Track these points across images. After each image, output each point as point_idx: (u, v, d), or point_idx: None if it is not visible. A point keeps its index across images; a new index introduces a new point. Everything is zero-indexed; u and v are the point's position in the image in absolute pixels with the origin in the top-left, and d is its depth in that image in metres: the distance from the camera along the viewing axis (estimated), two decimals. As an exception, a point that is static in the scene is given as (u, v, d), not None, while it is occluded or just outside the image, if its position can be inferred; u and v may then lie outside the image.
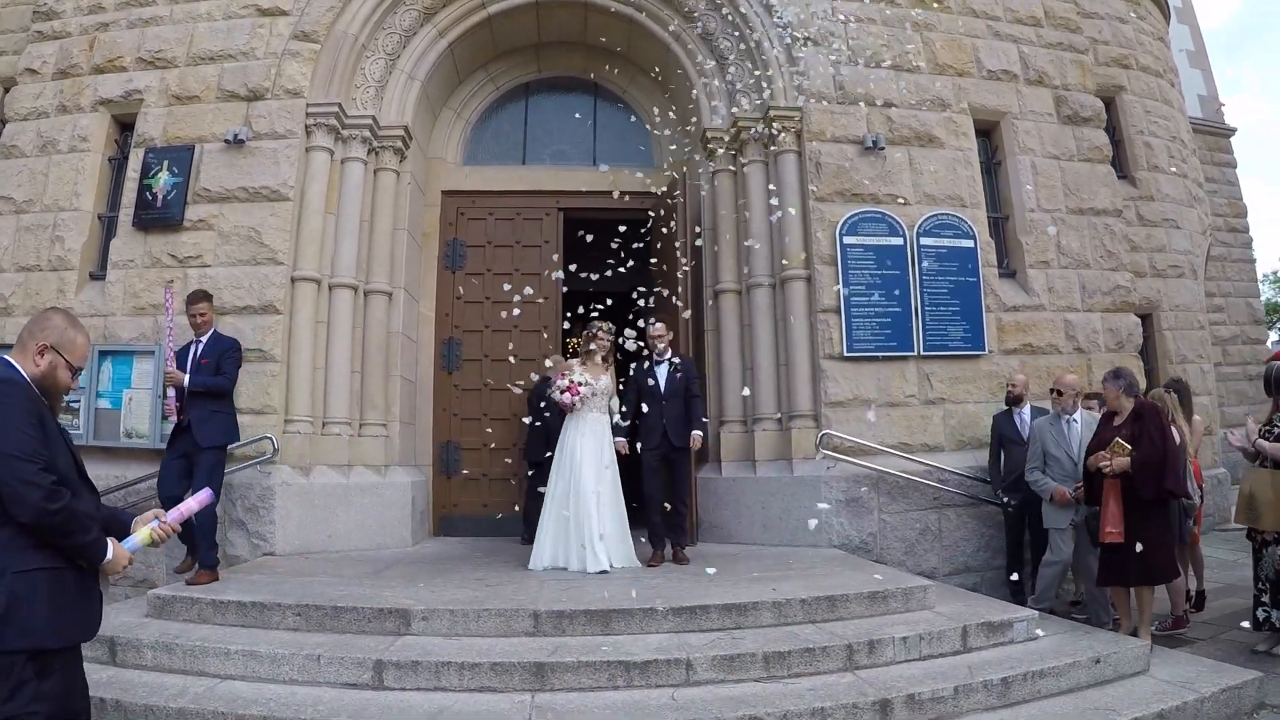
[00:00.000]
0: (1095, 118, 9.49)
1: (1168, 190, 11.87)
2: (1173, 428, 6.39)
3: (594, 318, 7.60)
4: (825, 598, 5.53)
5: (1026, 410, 7.54)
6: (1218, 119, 18.09)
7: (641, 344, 7.39)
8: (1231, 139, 18.16)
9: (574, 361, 7.56)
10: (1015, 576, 7.21)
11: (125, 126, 8.62)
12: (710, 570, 6.42)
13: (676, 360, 7.58)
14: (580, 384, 7.13)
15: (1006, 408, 7.65)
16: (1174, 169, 12.10)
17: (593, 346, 7.40)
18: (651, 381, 7.47)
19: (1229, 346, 16.31)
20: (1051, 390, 6.96)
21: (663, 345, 7.55)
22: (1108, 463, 5.76)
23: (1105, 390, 6.16)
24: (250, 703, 4.38)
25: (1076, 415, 6.79)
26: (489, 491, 9.32)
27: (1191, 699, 4.89)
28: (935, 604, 5.86)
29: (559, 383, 7.19)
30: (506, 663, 4.61)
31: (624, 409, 7.51)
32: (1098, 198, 9.17)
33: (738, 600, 5.41)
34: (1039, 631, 5.60)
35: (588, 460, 7.01)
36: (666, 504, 7.32)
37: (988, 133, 9.25)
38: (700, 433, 7.50)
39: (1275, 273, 33.19)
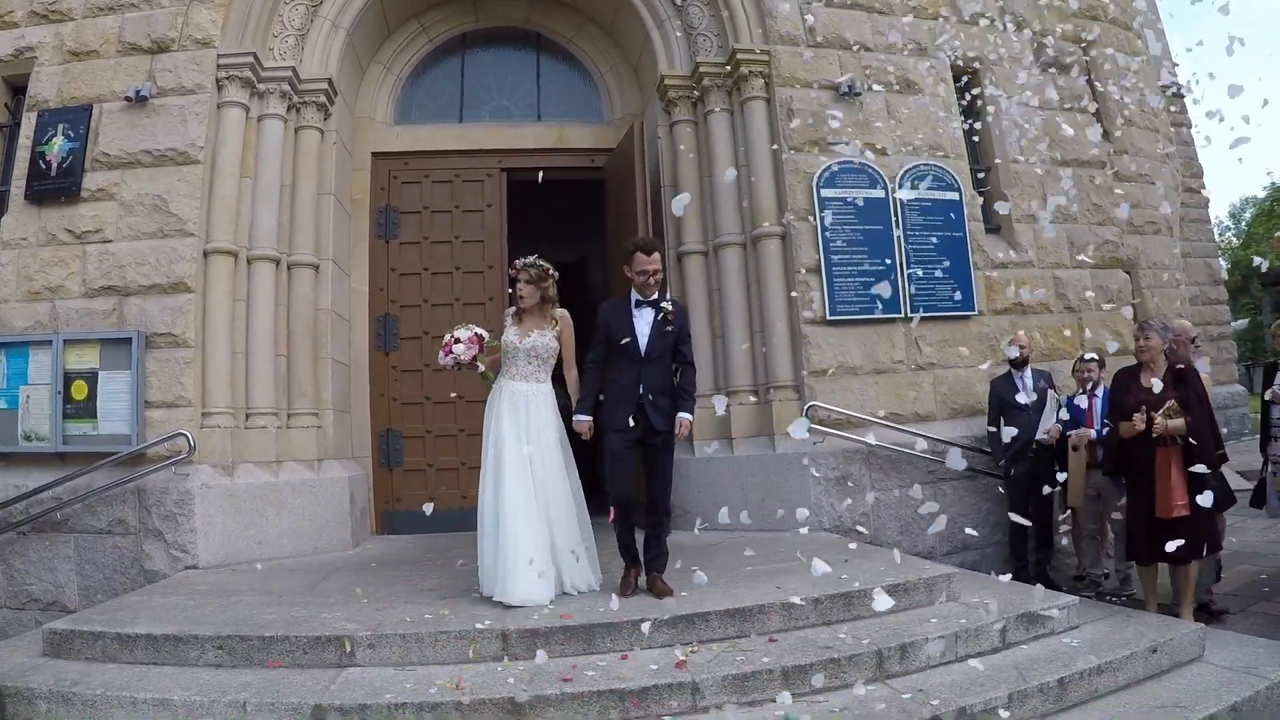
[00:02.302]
0: (1076, 64, 8.92)
1: (1142, 145, 11.43)
2: None
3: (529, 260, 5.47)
4: (841, 595, 4.82)
5: (1028, 373, 6.96)
6: (1172, 79, 17.85)
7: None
8: (1185, 100, 17.97)
9: (508, 314, 5.59)
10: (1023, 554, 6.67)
11: (18, 90, 7.63)
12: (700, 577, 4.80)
13: (668, 305, 5.25)
14: (456, 340, 5.33)
15: (1007, 370, 7.02)
16: (1145, 124, 11.68)
17: (517, 288, 5.44)
18: (627, 336, 5.19)
19: (1191, 308, 16.15)
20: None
21: (655, 285, 5.25)
22: (1162, 423, 5.15)
23: (1148, 340, 5.53)
24: (160, 767, 3.52)
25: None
26: (436, 482, 8.44)
27: (1262, 687, 4.38)
28: (961, 594, 5.19)
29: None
30: (476, 700, 3.79)
31: (582, 372, 5.47)
32: (1081, 148, 8.58)
33: (740, 604, 4.67)
34: (1079, 619, 4.98)
35: (509, 447, 5.19)
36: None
37: (967, 79, 8.60)
38: (689, 416, 5.28)
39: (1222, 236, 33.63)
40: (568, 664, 4.20)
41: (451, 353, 5.30)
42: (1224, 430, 6.27)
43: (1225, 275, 17.32)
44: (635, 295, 5.26)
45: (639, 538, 5.31)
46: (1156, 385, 5.04)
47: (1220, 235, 35.59)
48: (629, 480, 5.29)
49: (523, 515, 5.04)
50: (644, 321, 5.20)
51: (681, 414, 5.24)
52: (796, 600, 4.67)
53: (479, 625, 4.47)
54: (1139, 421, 5.29)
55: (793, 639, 4.49)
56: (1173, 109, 17.22)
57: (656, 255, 5.21)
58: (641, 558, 5.29)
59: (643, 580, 5.25)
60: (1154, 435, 5.25)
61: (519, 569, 4.93)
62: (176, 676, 4.26)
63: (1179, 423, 5.18)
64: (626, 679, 3.99)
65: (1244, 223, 44.57)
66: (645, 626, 4.28)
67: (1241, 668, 4.60)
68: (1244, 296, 31.00)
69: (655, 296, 5.23)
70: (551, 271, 5.42)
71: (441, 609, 4.83)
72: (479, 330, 5.39)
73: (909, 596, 4.97)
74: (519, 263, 5.42)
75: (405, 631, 4.39)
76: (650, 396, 5.17)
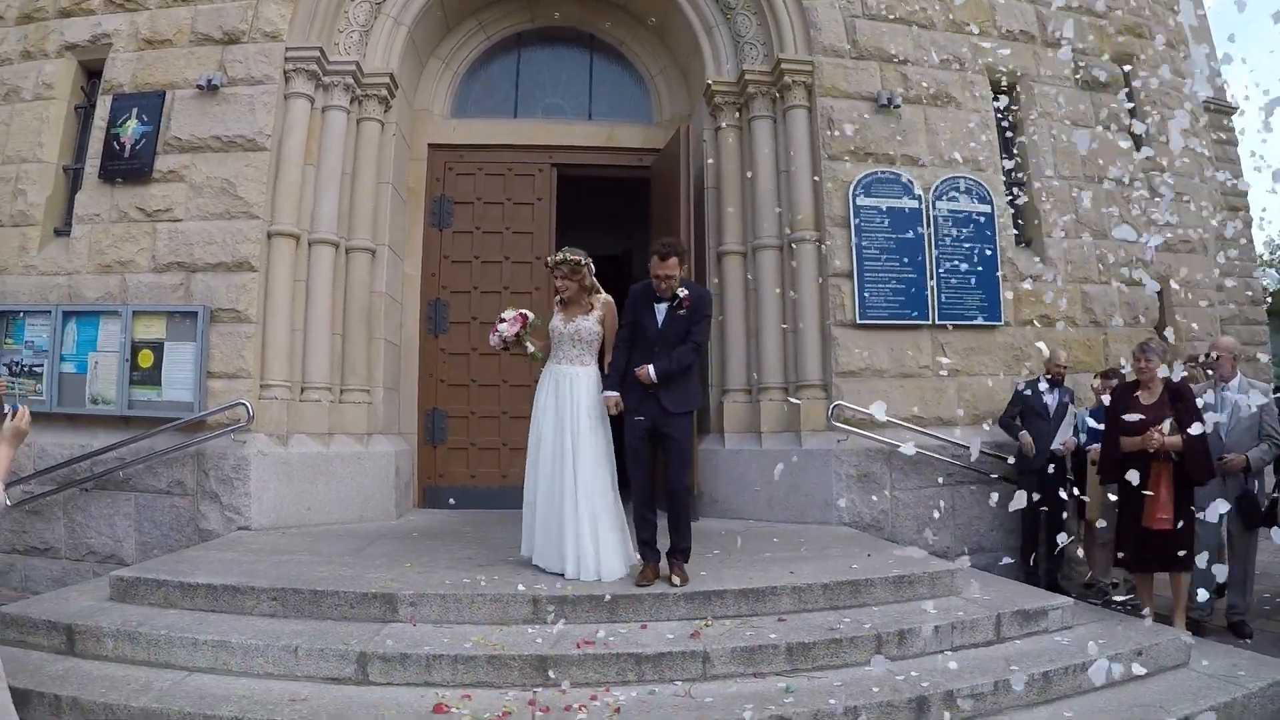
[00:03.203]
0: (1114, 83, 9.09)
1: (1179, 162, 11.52)
2: None
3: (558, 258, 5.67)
4: (848, 582, 5.13)
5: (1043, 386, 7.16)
6: (1220, 96, 17.76)
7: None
8: (1233, 116, 17.85)
9: (556, 301, 5.84)
10: (1034, 560, 6.91)
11: (93, 73, 8.02)
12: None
13: (683, 292, 5.35)
14: (502, 319, 5.66)
15: (1034, 377, 7.23)
16: (1186, 141, 11.74)
17: (555, 285, 5.71)
18: (646, 321, 5.40)
19: (1228, 326, 16.08)
20: (1206, 356, 6.56)
21: (672, 288, 5.36)
22: (1161, 440, 5.39)
23: (1149, 362, 5.77)
24: (220, 700, 3.93)
25: (1233, 384, 6.32)
26: (477, 461, 8.85)
27: (1239, 694, 4.59)
28: (963, 589, 5.45)
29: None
30: (505, 655, 4.18)
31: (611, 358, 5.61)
32: (1116, 166, 8.76)
33: (754, 585, 5.00)
34: (1073, 620, 5.23)
35: (549, 425, 5.51)
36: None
37: (1005, 94, 8.79)
38: (651, 369, 5.24)
39: (1261, 256, 33.02)
40: (591, 629, 4.56)
41: (497, 330, 5.63)
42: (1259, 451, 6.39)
43: (1269, 298, 17.14)
44: (656, 292, 5.44)
45: (659, 536, 5.41)
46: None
47: (1272, 254, 34.91)
48: (646, 476, 5.42)
49: (556, 490, 5.36)
50: (660, 309, 5.38)
51: (648, 365, 5.28)
52: (807, 585, 4.99)
53: (512, 590, 4.85)
54: (1142, 440, 5.52)
55: (801, 620, 4.80)
56: (1218, 131, 17.17)
57: (672, 261, 5.33)
58: (661, 546, 5.38)
59: (663, 566, 5.30)
60: (1152, 450, 5.48)
61: (549, 539, 5.36)
62: (233, 622, 4.66)
63: (1176, 439, 5.41)
64: (644, 645, 4.35)
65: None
66: (665, 599, 4.64)
67: (1224, 675, 4.82)
68: (1292, 316, 30.45)
69: (674, 290, 5.37)
70: (584, 262, 5.61)
71: (478, 575, 5.20)
72: (524, 311, 5.71)
73: (913, 588, 5.26)
74: (550, 261, 5.70)
75: (444, 593, 4.77)
76: (658, 379, 5.30)
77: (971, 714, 4.16)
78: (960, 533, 7.43)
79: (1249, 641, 5.80)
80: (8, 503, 3.20)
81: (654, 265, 5.37)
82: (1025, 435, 7.03)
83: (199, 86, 7.53)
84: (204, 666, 4.31)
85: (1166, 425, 5.51)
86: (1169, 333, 5.24)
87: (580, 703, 3.91)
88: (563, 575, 5.23)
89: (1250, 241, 17.63)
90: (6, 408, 3.28)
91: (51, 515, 7.04)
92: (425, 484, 8.79)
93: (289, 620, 4.70)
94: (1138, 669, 4.47)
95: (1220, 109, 17.60)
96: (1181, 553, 5.38)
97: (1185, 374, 6.93)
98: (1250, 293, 17.19)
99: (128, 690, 4.04)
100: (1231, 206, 17.17)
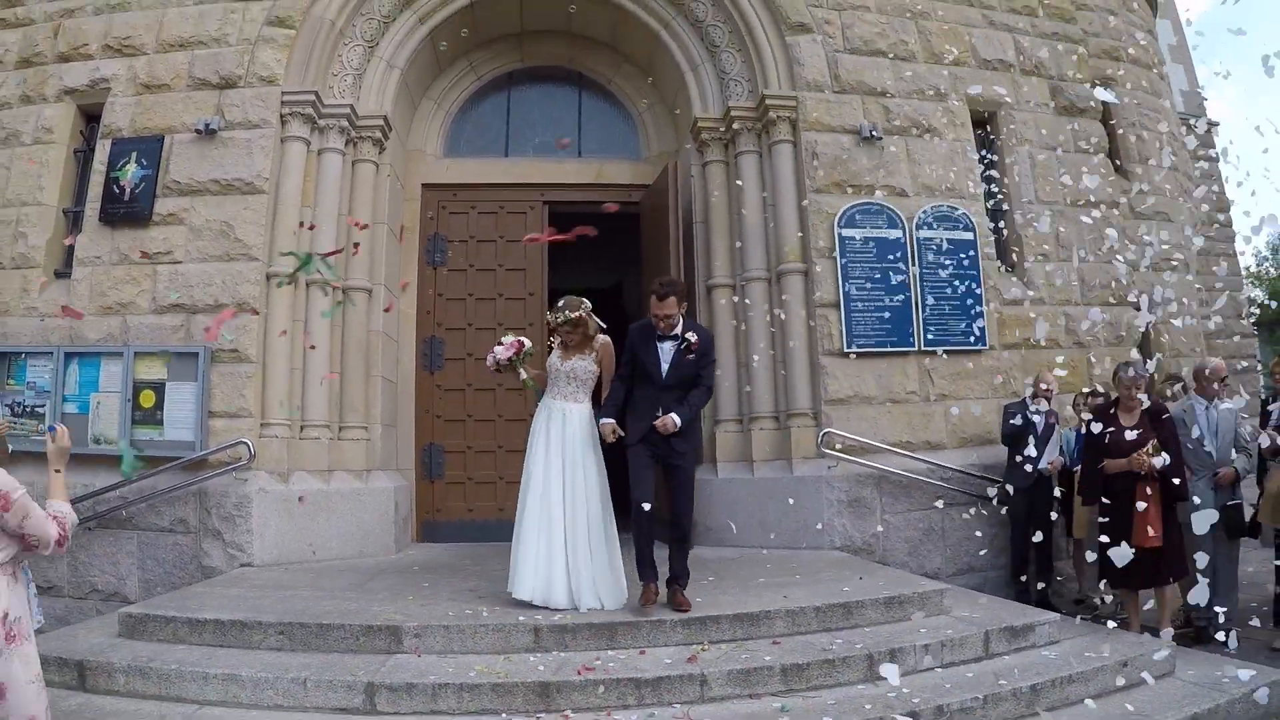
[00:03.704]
0: (1091, 109, 9.34)
1: (1159, 182, 11.75)
2: None
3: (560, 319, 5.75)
4: (840, 604, 5.28)
5: (1043, 404, 7.31)
6: (1200, 113, 18.08)
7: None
8: (1213, 133, 18.14)
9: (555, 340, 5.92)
10: (1024, 578, 7.03)
11: (92, 117, 8.22)
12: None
13: (691, 337, 5.47)
14: (500, 343, 5.80)
15: (1021, 399, 7.41)
16: (1165, 162, 11.99)
17: (555, 337, 5.81)
18: (650, 362, 5.49)
19: (1214, 340, 16.28)
20: (1194, 378, 6.80)
21: (671, 326, 5.49)
22: (1148, 462, 5.59)
23: (1133, 384, 5.93)
24: (232, 732, 4.04)
25: (1222, 404, 6.52)
26: (474, 495, 8.98)
27: (1223, 701, 4.76)
28: (952, 609, 5.63)
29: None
30: (509, 683, 4.31)
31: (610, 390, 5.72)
32: (1095, 190, 8.98)
33: (748, 609, 5.15)
34: (1061, 635, 5.37)
35: (540, 458, 5.58)
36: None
37: (984, 123, 9.05)
38: (676, 418, 5.33)
39: (1247, 269, 33.33)
40: (591, 656, 4.70)
41: (494, 353, 5.75)
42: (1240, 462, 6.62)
43: (1256, 311, 17.36)
44: (658, 330, 5.53)
45: (659, 553, 5.45)
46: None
47: (1259, 266, 35.25)
48: (649, 489, 5.38)
49: (545, 522, 5.42)
50: (666, 351, 5.47)
51: (671, 414, 5.34)
52: (800, 608, 5.13)
53: (513, 620, 4.99)
54: (1129, 462, 5.69)
55: (795, 642, 4.94)
56: (1199, 148, 17.44)
57: (671, 300, 5.44)
58: (660, 570, 5.42)
59: (664, 595, 5.36)
60: (1142, 473, 5.64)
61: (525, 567, 5.37)
62: (242, 656, 4.78)
63: (1161, 458, 5.58)
64: (643, 670, 4.49)
65: (1283, 253, 44.09)
66: (662, 625, 4.80)
67: (1208, 683, 4.97)
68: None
69: (677, 331, 5.49)
70: (584, 315, 5.69)
71: (480, 607, 5.33)
72: (523, 339, 5.84)
73: (903, 609, 5.40)
74: (552, 321, 5.75)
75: (448, 624, 4.91)
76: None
77: (962, 728, 4.29)
78: (951, 554, 7.56)
79: (1232, 649, 5.93)
80: (76, 520, 3.38)
81: (653, 305, 5.48)
82: (1052, 459, 7.16)
83: (197, 131, 7.71)
84: (215, 700, 4.43)
85: (1150, 447, 5.67)
86: (1150, 363, 5.50)
87: (583, 727, 4.05)
88: (557, 608, 5.26)
89: (1235, 256, 17.86)
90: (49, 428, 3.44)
91: (54, 554, 7.11)
92: (424, 519, 8.91)
93: (296, 653, 4.81)
94: (1122, 680, 4.67)
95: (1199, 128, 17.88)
96: (1164, 568, 5.54)
97: (1169, 393, 7.16)
98: (1236, 306, 17.39)
99: (140, 725, 4.15)
100: (1214, 222, 17.44)
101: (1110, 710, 4.59)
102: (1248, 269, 33.40)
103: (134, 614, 5.33)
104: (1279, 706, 4.87)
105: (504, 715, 4.21)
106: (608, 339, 5.85)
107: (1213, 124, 18.23)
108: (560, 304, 5.73)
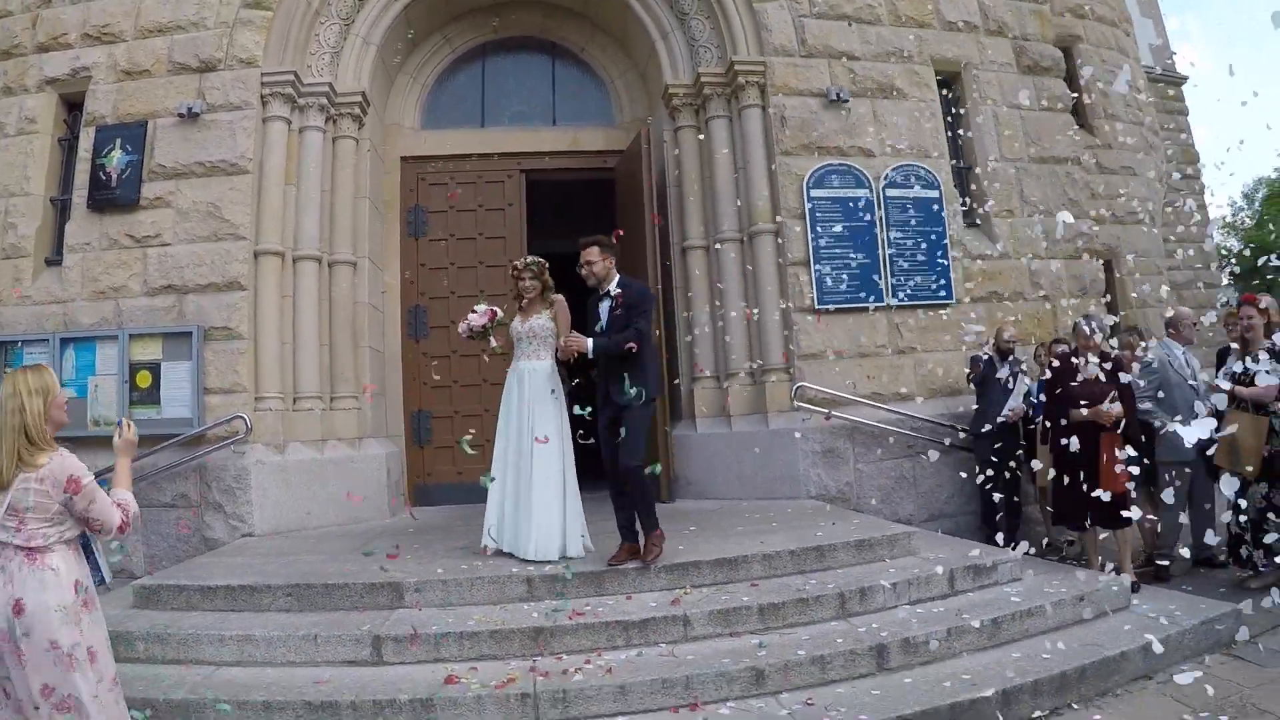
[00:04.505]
0: (1054, 67, 9.58)
1: (1125, 138, 12.00)
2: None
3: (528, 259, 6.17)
4: (813, 548, 5.61)
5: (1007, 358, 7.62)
6: (1169, 68, 18.31)
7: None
8: (1182, 87, 18.40)
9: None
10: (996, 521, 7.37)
11: (74, 106, 8.33)
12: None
13: (615, 290, 5.71)
14: (474, 311, 6.15)
15: (987, 356, 7.71)
16: (1130, 118, 12.24)
17: (520, 286, 6.09)
18: (594, 318, 5.78)
19: (1184, 291, 16.65)
20: (1167, 325, 7.17)
21: (594, 275, 5.75)
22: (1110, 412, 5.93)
23: (1091, 336, 6.24)
24: (251, 688, 4.35)
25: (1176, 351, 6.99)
26: (462, 459, 9.13)
27: (1174, 631, 5.06)
28: (920, 550, 5.96)
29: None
30: (505, 629, 4.64)
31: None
32: (1058, 146, 9.27)
33: (727, 555, 5.47)
34: (1023, 573, 5.71)
35: (512, 422, 5.96)
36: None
37: (949, 83, 9.28)
38: (587, 341, 5.57)
39: (1224, 218, 33.64)
40: (582, 603, 5.02)
41: (467, 320, 6.11)
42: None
43: (1233, 261, 17.63)
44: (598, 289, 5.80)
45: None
46: (1093, 370, 5.80)
47: (1234, 215, 35.58)
48: (611, 452, 5.62)
49: (512, 476, 5.87)
50: (604, 310, 5.74)
51: (577, 336, 5.65)
52: (776, 552, 5.47)
53: (507, 573, 5.31)
54: (1091, 413, 6.02)
55: (771, 584, 5.27)
56: (1167, 101, 17.70)
57: (592, 250, 5.71)
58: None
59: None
60: (1107, 425, 5.97)
61: (490, 518, 5.89)
62: (254, 619, 5.08)
63: (1119, 408, 5.91)
64: (630, 613, 4.82)
65: (1257, 203, 44.51)
66: (647, 572, 5.21)
67: (1161, 616, 5.30)
68: (1256, 279, 31.11)
69: (608, 289, 5.74)
70: (544, 265, 6.13)
71: (474, 562, 5.65)
72: (495, 308, 6.20)
73: (873, 551, 5.76)
74: (519, 263, 6.14)
75: (446, 578, 5.22)
76: (606, 374, 5.67)
77: (928, 659, 4.63)
78: (923, 501, 7.90)
79: (1188, 588, 6.28)
80: (137, 509, 3.67)
81: (582, 259, 5.78)
82: (1014, 406, 7.43)
83: (180, 115, 7.84)
84: (231, 660, 4.72)
85: (1109, 398, 5.98)
86: (1113, 316, 5.78)
87: (576, 666, 4.38)
88: (525, 559, 5.59)
89: (1205, 208, 18.11)
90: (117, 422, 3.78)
91: (115, 539, 7.32)
92: (415, 483, 9.17)
93: (305, 613, 5.11)
94: (1081, 614, 5.02)
95: (1169, 80, 18.13)
96: (1124, 512, 5.86)
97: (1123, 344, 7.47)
98: (1205, 257, 17.68)
99: (164, 686, 4.42)
100: (1184, 175, 17.74)
101: (1067, 639, 4.90)
102: (1223, 218, 33.73)
103: (148, 585, 5.60)
104: (1228, 636, 5.22)
105: (503, 659, 4.54)
106: (561, 297, 6.16)
107: (1182, 78, 18.50)
108: (521, 261, 6.16)
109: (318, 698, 4.18)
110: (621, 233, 6.89)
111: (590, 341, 5.56)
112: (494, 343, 6.24)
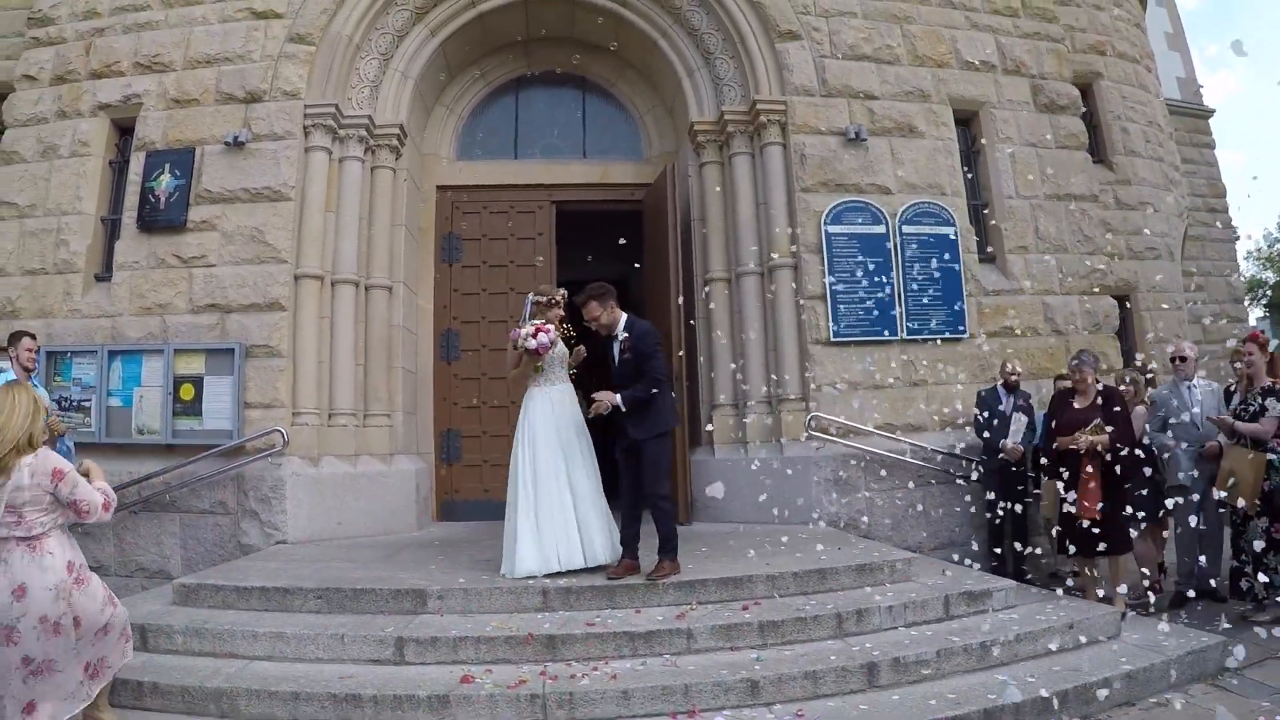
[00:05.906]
0: (1071, 105, 9.79)
1: (1144, 174, 12.17)
2: (1140, 406, 7.09)
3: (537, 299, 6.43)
4: (816, 570, 5.87)
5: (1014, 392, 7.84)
6: (1196, 101, 18.41)
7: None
8: (1210, 120, 18.47)
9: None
10: (999, 550, 7.56)
11: (125, 130, 8.79)
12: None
13: (625, 335, 6.02)
14: (547, 330, 6.18)
15: (995, 384, 7.95)
16: (1150, 154, 12.40)
17: (552, 314, 6.37)
18: (609, 361, 6.16)
19: (1209, 325, 16.67)
20: (1172, 359, 7.34)
21: (603, 327, 6.08)
22: (1088, 440, 6.10)
23: (1083, 372, 6.48)
24: (280, 680, 4.68)
25: (1195, 381, 7.19)
26: (489, 477, 9.51)
27: (1159, 661, 5.20)
28: (919, 575, 6.21)
29: (524, 330, 6.20)
30: (520, 636, 4.94)
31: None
32: (1074, 184, 9.47)
33: (733, 574, 5.74)
34: (1018, 600, 5.94)
35: (543, 439, 6.15)
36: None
37: (967, 122, 9.54)
38: (616, 398, 5.86)
39: (1259, 249, 33.35)
40: (593, 614, 5.34)
41: (536, 337, 6.09)
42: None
43: (1269, 292, 17.51)
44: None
45: (643, 536, 6.05)
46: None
47: (1271, 247, 35.19)
48: (629, 484, 6.04)
49: (562, 493, 6.10)
50: (615, 353, 6.08)
51: (606, 394, 5.92)
52: (780, 573, 5.75)
53: (524, 584, 5.65)
54: (1072, 440, 6.25)
55: (773, 603, 5.53)
56: (1192, 134, 17.77)
57: (591, 305, 6.00)
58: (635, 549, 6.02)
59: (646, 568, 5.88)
60: (1081, 450, 6.19)
61: (524, 547, 5.96)
62: (285, 618, 5.43)
63: (1103, 437, 6.11)
64: (637, 625, 5.11)
65: (1292, 236, 44.04)
66: (656, 587, 5.53)
67: (1149, 645, 5.47)
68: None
69: (616, 333, 6.06)
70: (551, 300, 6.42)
71: (495, 575, 5.98)
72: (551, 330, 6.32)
73: (873, 575, 6.01)
74: (559, 295, 6.43)
75: (467, 588, 5.55)
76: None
77: (917, 678, 4.86)
78: (931, 530, 8.10)
79: (1183, 614, 6.44)
80: (115, 497, 4.36)
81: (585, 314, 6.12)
82: (1009, 443, 7.60)
83: (226, 143, 8.29)
84: (263, 655, 5.07)
85: (1092, 427, 6.19)
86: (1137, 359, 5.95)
87: (583, 672, 4.68)
88: (564, 571, 5.90)
89: (1232, 241, 18.10)
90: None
91: (102, 536, 7.71)
92: (443, 499, 9.53)
93: (334, 615, 5.45)
94: (1068, 641, 5.22)
95: (1196, 113, 18.23)
96: (1109, 539, 6.07)
97: (1129, 380, 7.68)
98: (1230, 290, 17.67)
99: (199, 675, 4.77)
100: (1210, 208, 17.80)
101: (1054, 665, 5.09)
102: (1258, 250, 33.43)
103: (187, 584, 5.98)
104: (1215, 667, 5.37)
105: (517, 663, 4.83)
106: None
107: (1209, 111, 18.59)
108: (536, 292, 6.49)
109: (342, 690, 4.51)
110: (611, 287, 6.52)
111: (618, 397, 5.85)
112: (538, 363, 6.29)
